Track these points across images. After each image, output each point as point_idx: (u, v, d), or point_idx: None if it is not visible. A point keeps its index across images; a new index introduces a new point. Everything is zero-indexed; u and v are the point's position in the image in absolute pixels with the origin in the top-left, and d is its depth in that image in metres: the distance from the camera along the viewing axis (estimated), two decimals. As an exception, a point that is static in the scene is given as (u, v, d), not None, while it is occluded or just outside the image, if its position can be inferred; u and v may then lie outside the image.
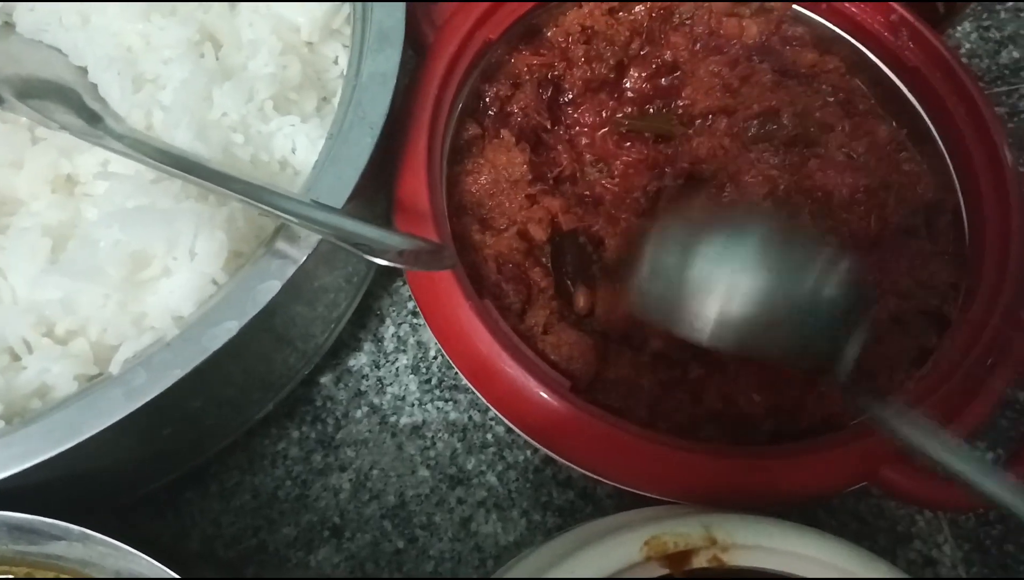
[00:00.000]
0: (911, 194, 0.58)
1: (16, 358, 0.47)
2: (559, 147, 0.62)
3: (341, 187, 0.48)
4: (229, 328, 0.44)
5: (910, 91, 0.62)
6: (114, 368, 0.45)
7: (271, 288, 0.45)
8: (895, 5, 0.61)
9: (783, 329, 0.44)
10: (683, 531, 0.43)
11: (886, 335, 0.55)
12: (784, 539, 0.44)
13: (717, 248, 0.44)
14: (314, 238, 0.47)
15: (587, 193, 0.61)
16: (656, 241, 0.46)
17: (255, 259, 0.47)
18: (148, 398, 0.42)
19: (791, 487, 0.50)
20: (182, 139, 0.50)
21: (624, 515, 0.49)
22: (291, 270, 0.46)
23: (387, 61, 0.51)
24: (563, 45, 0.64)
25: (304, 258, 0.46)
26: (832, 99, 0.61)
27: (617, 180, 0.61)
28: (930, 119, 0.61)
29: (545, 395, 0.49)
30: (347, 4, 0.57)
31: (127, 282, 0.46)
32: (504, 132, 0.59)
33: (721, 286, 0.44)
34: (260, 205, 0.44)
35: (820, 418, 0.52)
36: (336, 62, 0.59)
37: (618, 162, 0.62)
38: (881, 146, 0.59)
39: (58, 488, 0.44)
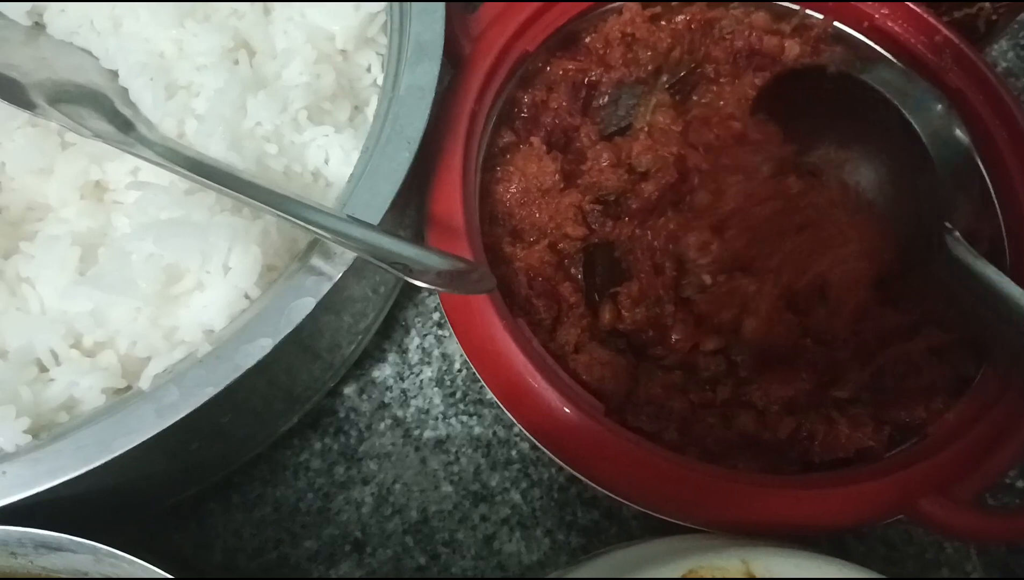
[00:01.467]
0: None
1: (43, 370, 0.46)
2: (585, 141, 0.61)
3: (377, 202, 0.47)
4: (263, 345, 0.43)
5: (951, 113, 0.61)
6: (144, 383, 0.44)
7: (305, 305, 0.44)
8: (939, 26, 0.60)
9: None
10: (721, 564, 0.42)
11: (925, 365, 0.54)
12: (821, 573, 0.43)
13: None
14: (349, 254, 0.46)
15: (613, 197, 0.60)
16: None
17: (289, 274, 0.46)
18: (180, 416, 0.42)
19: (825, 518, 0.49)
20: (215, 149, 0.49)
21: (657, 544, 0.48)
22: (326, 287, 0.45)
23: (425, 75, 0.50)
24: (601, 52, 0.63)
25: (339, 275, 0.45)
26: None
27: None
28: (971, 140, 0.60)
29: (579, 419, 0.48)
30: (383, 13, 0.56)
31: (159, 296, 0.46)
32: (534, 140, 0.58)
33: None
34: (296, 220, 0.44)
35: (854, 451, 0.51)
36: (369, 70, 0.58)
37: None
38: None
39: (82, 502, 0.44)
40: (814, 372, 0.53)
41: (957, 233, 0.52)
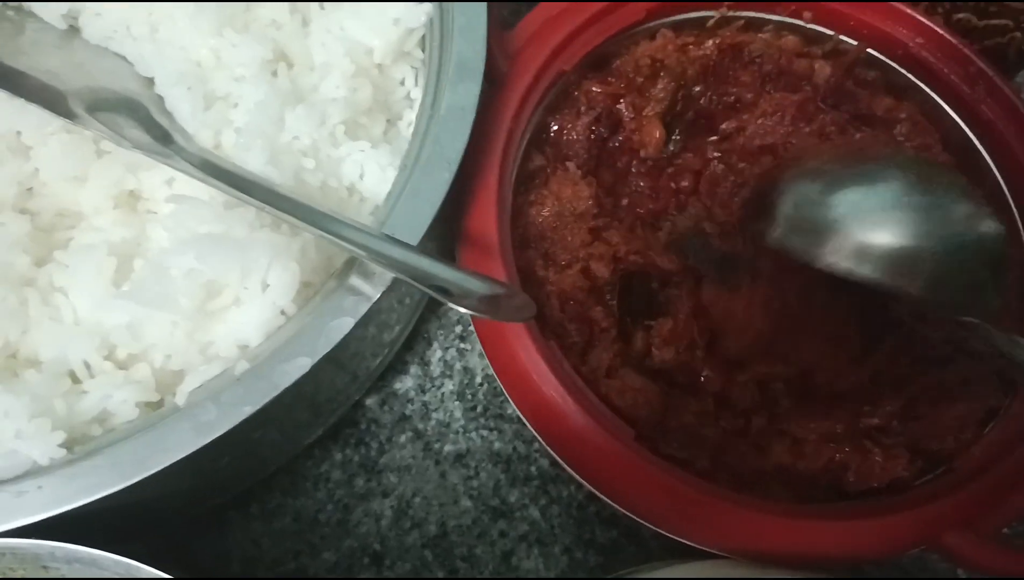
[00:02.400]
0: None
1: (76, 382, 0.46)
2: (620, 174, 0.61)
3: (417, 223, 0.47)
4: (301, 365, 0.43)
5: (981, 143, 0.61)
6: (180, 399, 0.44)
7: (344, 325, 0.44)
8: (974, 57, 0.60)
9: (923, 265, 0.48)
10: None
11: (955, 396, 0.54)
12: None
13: (858, 191, 0.50)
14: (388, 274, 0.45)
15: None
16: (800, 178, 0.53)
17: (327, 293, 0.46)
18: (217, 434, 0.41)
19: (850, 550, 0.49)
20: (254, 163, 0.48)
21: (686, 568, 0.49)
22: (365, 308, 0.45)
23: (467, 94, 0.50)
24: (631, 76, 0.62)
25: (378, 296, 0.45)
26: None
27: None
28: (1000, 173, 0.60)
29: (608, 443, 0.48)
30: (421, 28, 0.55)
31: (197, 311, 0.45)
32: (570, 165, 0.58)
33: (863, 222, 0.49)
34: (337, 240, 0.43)
35: (887, 482, 0.51)
36: (403, 84, 0.58)
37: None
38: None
39: (105, 515, 0.43)
40: (849, 400, 0.53)
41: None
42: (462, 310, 0.42)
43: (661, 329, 0.54)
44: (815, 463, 0.51)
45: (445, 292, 0.42)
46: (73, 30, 0.55)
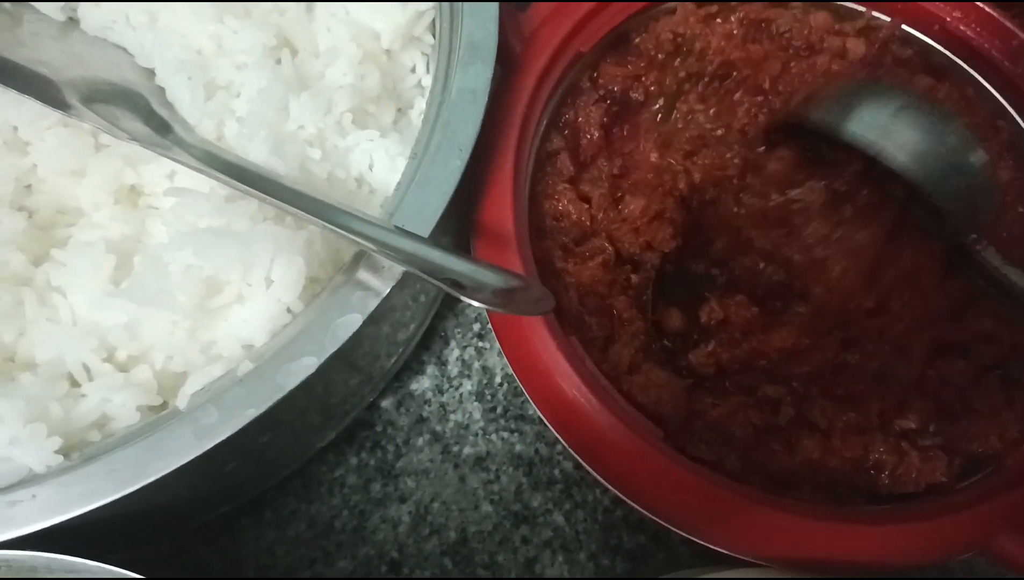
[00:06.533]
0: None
1: (75, 385, 0.44)
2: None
3: (427, 214, 0.44)
4: (307, 365, 0.41)
5: (1027, 122, 0.57)
6: (181, 402, 0.41)
7: (352, 322, 0.42)
8: (1016, 31, 0.56)
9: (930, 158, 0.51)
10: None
11: (991, 388, 0.51)
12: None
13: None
14: (398, 268, 0.43)
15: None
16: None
17: (334, 288, 0.43)
18: (220, 438, 0.39)
19: (894, 555, 0.46)
20: (257, 153, 0.46)
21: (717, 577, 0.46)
22: (374, 303, 0.42)
23: (478, 77, 0.47)
24: (652, 53, 0.59)
25: (388, 291, 0.42)
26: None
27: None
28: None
29: (636, 445, 0.45)
30: (431, 10, 0.53)
31: (197, 309, 0.43)
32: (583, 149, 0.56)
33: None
34: (344, 232, 0.41)
35: (924, 486, 0.48)
36: (414, 71, 0.55)
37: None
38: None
39: (108, 523, 0.42)
40: (876, 398, 0.51)
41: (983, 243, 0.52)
42: (475, 304, 0.39)
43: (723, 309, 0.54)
44: (846, 457, 0.48)
45: (458, 285, 0.40)
46: (72, 22, 0.53)
